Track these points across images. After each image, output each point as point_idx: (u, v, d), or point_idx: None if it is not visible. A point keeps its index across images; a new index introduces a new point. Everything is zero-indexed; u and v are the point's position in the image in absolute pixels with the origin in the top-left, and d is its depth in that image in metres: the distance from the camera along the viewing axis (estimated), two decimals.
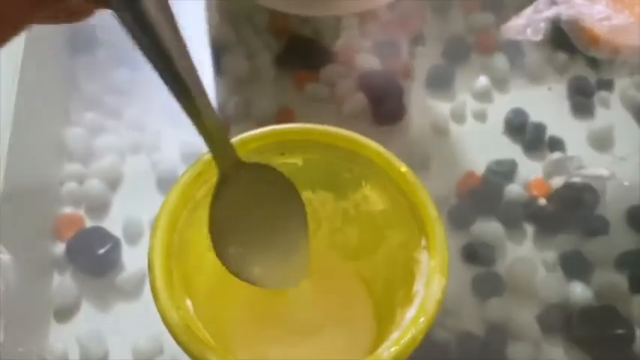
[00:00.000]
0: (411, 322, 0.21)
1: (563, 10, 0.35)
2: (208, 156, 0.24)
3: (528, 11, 0.36)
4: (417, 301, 0.22)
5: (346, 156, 0.27)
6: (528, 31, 0.36)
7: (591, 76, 0.43)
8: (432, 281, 0.22)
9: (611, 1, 0.35)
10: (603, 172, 0.35)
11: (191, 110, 0.20)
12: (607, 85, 0.42)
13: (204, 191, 0.25)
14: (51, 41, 0.41)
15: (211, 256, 0.22)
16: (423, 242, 0.24)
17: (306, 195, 0.28)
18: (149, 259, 0.23)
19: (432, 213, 0.24)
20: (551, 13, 0.35)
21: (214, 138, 0.21)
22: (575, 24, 0.36)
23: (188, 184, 0.24)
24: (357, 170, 0.27)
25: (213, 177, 0.24)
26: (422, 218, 0.24)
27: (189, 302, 0.23)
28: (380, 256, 0.27)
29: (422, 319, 0.21)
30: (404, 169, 0.26)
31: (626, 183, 0.35)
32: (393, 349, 0.21)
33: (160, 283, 0.22)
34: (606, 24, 0.34)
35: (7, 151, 0.32)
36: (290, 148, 0.27)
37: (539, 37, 0.36)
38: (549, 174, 0.37)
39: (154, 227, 0.23)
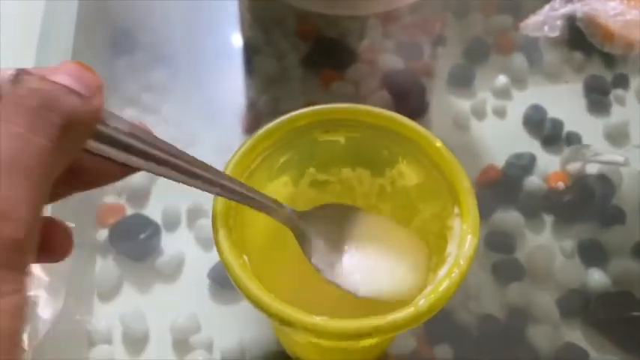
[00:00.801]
0: (446, 274, 0.23)
1: (578, 7, 0.37)
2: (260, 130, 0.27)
3: (545, 9, 0.38)
4: (450, 260, 0.24)
5: (386, 134, 0.29)
6: (545, 28, 0.38)
7: (607, 75, 0.44)
8: (464, 241, 0.24)
9: None
10: (618, 158, 0.36)
11: (250, 204, 0.24)
12: (623, 82, 0.44)
13: (259, 161, 0.27)
14: (94, 43, 0.44)
15: (263, 217, 0.25)
16: (456, 210, 0.26)
17: (345, 172, 0.30)
18: (213, 218, 0.25)
19: (465, 184, 0.26)
20: (566, 10, 0.37)
21: (273, 214, 0.25)
22: (590, 21, 0.38)
23: (244, 155, 0.27)
24: (395, 148, 0.29)
25: (266, 150, 0.27)
26: (455, 189, 0.26)
27: (245, 258, 0.24)
28: (413, 228, 0.29)
29: (455, 272, 0.23)
30: (439, 144, 0.27)
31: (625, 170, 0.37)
32: (428, 298, 0.22)
33: (222, 238, 0.24)
34: (620, 19, 0.36)
35: None
36: (334, 127, 0.29)
37: (556, 34, 0.38)
38: (566, 160, 0.38)
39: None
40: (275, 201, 0.26)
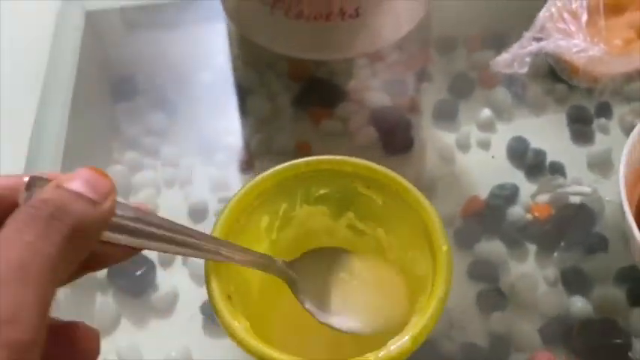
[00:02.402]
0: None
1: (544, 45, 0.38)
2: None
3: (514, 47, 0.40)
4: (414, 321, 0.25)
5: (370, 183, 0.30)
6: (515, 64, 0.39)
7: (590, 105, 0.45)
8: (428, 306, 0.25)
9: (588, 36, 0.38)
10: (585, 189, 0.37)
11: (245, 265, 0.27)
12: (606, 112, 0.45)
13: (245, 220, 0.29)
14: (96, 91, 0.47)
15: (256, 279, 0.26)
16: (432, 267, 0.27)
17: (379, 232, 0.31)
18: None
19: (443, 248, 0.26)
20: (534, 48, 0.39)
21: (267, 270, 0.27)
22: (558, 57, 0.39)
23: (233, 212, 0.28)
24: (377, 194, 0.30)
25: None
26: (434, 249, 0.27)
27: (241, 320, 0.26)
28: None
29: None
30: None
31: (607, 198, 0.38)
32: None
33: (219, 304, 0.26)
34: (583, 55, 0.37)
35: None
36: (374, 186, 0.30)
37: (524, 70, 0.39)
38: (537, 193, 0.39)
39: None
40: (266, 257, 0.27)
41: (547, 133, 0.45)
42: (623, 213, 0.30)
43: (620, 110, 0.45)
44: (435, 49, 0.50)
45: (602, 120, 0.45)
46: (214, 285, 0.26)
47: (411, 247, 0.29)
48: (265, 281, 0.29)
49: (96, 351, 0.22)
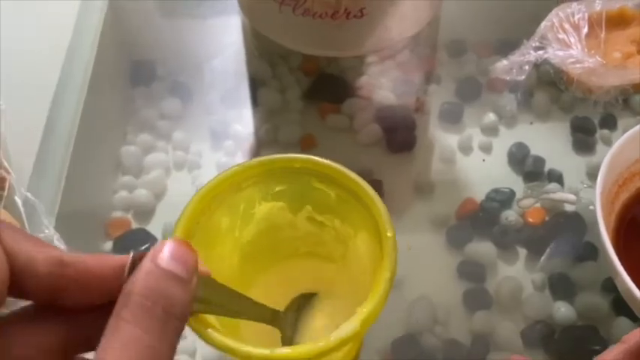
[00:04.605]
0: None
1: (542, 54, 0.39)
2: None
3: (515, 55, 0.41)
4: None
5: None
6: (514, 71, 0.40)
7: (595, 116, 0.46)
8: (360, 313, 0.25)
9: (586, 47, 0.38)
10: (570, 196, 0.38)
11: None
12: (610, 123, 0.45)
13: (205, 222, 0.30)
14: (115, 73, 0.49)
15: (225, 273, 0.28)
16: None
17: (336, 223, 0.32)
18: None
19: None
20: (532, 56, 0.39)
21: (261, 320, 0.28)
22: (555, 67, 0.40)
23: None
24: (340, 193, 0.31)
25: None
26: (383, 249, 0.28)
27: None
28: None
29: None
30: (390, 234, 0.28)
31: (591, 207, 0.38)
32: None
33: None
34: (579, 66, 0.38)
35: (69, 163, 0.39)
36: (326, 181, 0.30)
37: (522, 77, 0.40)
38: (522, 197, 0.40)
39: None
40: (270, 311, 0.28)
41: (549, 140, 0.45)
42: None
43: (625, 122, 0.46)
44: (446, 52, 0.51)
45: (606, 131, 0.45)
46: None
47: (364, 235, 0.30)
48: (234, 277, 0.30)
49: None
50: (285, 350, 0.23)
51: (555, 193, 0.39)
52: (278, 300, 0.29)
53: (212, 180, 0.30)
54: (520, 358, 0.31)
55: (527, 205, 0.39)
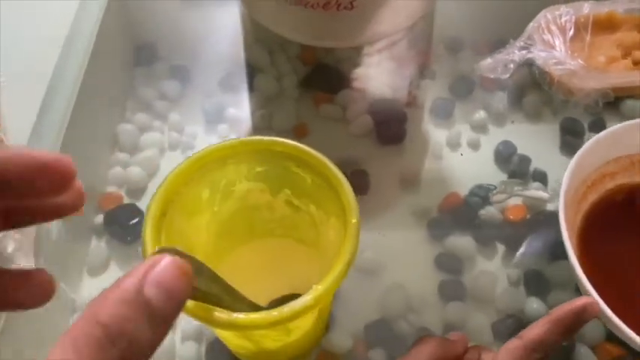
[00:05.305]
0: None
1: (526, 54, 0.39)
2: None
3: (501, 54, 0.41)
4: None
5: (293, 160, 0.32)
6: (498, 70, 0.41)
7: (585, 119, 0.46)
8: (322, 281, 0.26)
9: (570, 50, 0.39)
10: (543, 194, 0.38)
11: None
12: (599, 127, 0.46)
13: (185, 192, 0.31)
14: (117, 53, 0.51)
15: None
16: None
17: (311, 208, 0.33)
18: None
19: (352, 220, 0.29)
20: (517, 56, 0.40)
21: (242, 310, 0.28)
22: (540, 67, 0.40)
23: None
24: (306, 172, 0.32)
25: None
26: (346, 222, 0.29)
27: None
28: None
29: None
30: (354, 220, 0.29)
31: None
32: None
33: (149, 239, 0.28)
34: (560, 68, 0.38)
35: (64, 135, 0.40)
36: (303, 165, 0.31)
37: (506, 76, 0.41)
38: (496, 192, 0.41)
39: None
40: (253, 306, 0.29)
41: (537, 141, 0.46)
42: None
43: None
44: (442, 48, 0.51)
45: (594, 135, 0.46)
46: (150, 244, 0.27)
47: (334, 221, 0.31)
48: (208, 248, 0.32)
49: (50, 291, 0.23)
50: (242, 316, 0.24)
51: (529, 190, 0.39)
52: (247, 276, 0.30)
53: (198, 152, 0.31)
54: (458, 334, 0.31)
55: (500, 200, 0.40)
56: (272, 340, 0.30)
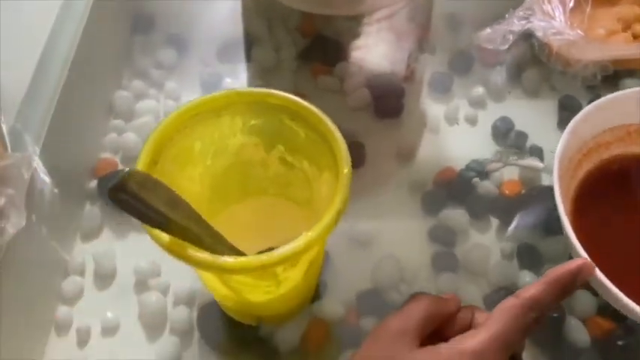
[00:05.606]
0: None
1: (525, 24, 0.39)
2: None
3: (501, 24, 0.41)
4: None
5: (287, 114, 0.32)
6: (498, 40, 0.40)
7: (583, 96, 0.46)
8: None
9: (569, 20, 0.38)
10: (538, 164, 0.38)
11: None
12: None
13: (178, 140, 0.31)
14: (114, 21, 0.50)
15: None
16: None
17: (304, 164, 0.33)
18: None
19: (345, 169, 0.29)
20: (516, 26, 0.39)
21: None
22: (538, 38, 0.40)
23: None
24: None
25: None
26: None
27: None
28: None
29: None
30: (346, 170, 0.29)
31: None
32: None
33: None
34: (559, 38, 0.38)
35: (60, 103, 0.40)
36: (297, 118, 0.32)
37: (505, 47, 0.40)
38: (490, 160, 0.41)
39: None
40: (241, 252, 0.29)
41: (535, 117, 0.46)
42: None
43: None
44: (443, 23, 0.51)
45: None
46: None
47: (327, 175, 0.31)
48: (201, 202, 0.31)
49: None
50: (230, 259, 0.25)
51: (524, 159, 0.39)
52: (239, 235, 0.30)
53: (192, 101, 0.31)
54: (450, 295, 0.31)
55: (495, 169, 0.40)
56: (262, 293, 0.30)
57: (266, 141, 0.33)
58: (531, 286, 0.27)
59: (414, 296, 0.28)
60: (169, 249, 0.26)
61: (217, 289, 0.32)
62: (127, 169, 0.24)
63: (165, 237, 0.26)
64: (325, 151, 0.30)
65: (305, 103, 0.31)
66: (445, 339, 0.27)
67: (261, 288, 0.29)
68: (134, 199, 0.24)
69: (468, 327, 0.28)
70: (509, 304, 0.27)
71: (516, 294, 0.27)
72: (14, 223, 0.30)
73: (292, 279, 0.29)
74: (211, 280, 0.31)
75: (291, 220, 0.34)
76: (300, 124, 0.31)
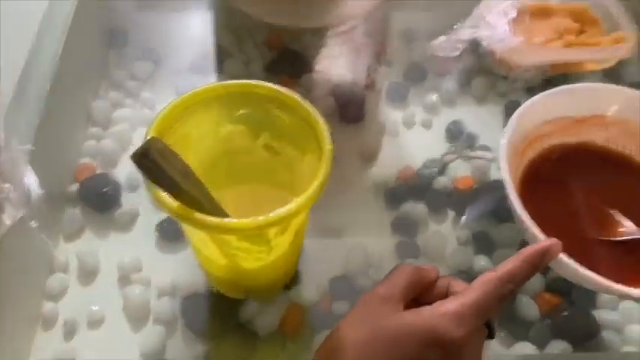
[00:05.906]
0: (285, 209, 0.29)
1: (473, 33, 0.44)
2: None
3: (451, 34, 0.46)
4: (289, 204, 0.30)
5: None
6: (448, 49, 0.45)
7: (525, 100, 0.51)
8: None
9: (513, 28, 0.43)
10: (487, 155, 0.43)
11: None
12: None
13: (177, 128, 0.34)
14: (91, 37, 0.53)
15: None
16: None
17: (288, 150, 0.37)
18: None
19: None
20: (466, 35, 0.44)
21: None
22: (488, 48, 0.45)
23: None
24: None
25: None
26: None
27: None
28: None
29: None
30: (329, 147, 0.33)
31: None
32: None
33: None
34: (501, 45, 0.43)
35: (42, 111, 0.42)
36: (282, 107, 0.35)
37: (455, 54, 0.45)
38: (446, 152, 0.45)
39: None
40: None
41: (483, 120, 0.51)
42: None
43: None
44: (399, 37, 0.56)
45: None
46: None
47: (309, 157, 0.34)
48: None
49: None
50: (233, 221, 0.28)
51: (475, 152, 0.44)
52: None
53: (182, 95, 0.34)
54: (430, 265, 0.34)
55: (451, 160, 0.44)
56: (255, 259, 0.33)
57: (252, 129, 0.36)
58: (508, 261, 0.30)
59: (397, 266, 0.31)
60: (177, 213, 0.28)
61: (214, 259, 0.34)
62: (149, 136, 0.27)
63: (173, 202, 0.28)
64: (309, 134, 0.33)
65: (291, 93, 0.34)
66: (425, 304, 0.29)
67: (254, 254, 0.32)
68: (155, 165, 0.26)
69: (445, 294, 0.31)
70: (489, 276, 0.29)
71: (495, 269, 0.30)
72: (10, 215, 0.32)
73: (281, 245, 0.32)
74: (210, 251, 0.33)
75: (274, 205, 0.37)
76: (286, 112, 0.34)
